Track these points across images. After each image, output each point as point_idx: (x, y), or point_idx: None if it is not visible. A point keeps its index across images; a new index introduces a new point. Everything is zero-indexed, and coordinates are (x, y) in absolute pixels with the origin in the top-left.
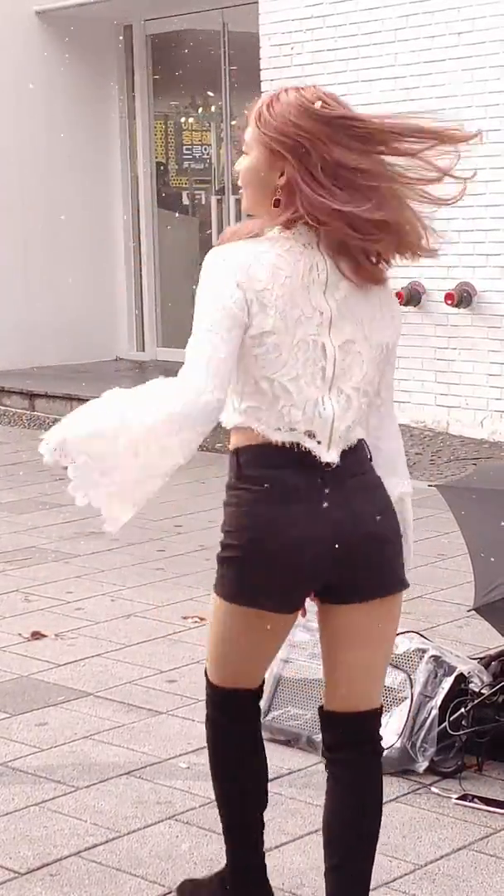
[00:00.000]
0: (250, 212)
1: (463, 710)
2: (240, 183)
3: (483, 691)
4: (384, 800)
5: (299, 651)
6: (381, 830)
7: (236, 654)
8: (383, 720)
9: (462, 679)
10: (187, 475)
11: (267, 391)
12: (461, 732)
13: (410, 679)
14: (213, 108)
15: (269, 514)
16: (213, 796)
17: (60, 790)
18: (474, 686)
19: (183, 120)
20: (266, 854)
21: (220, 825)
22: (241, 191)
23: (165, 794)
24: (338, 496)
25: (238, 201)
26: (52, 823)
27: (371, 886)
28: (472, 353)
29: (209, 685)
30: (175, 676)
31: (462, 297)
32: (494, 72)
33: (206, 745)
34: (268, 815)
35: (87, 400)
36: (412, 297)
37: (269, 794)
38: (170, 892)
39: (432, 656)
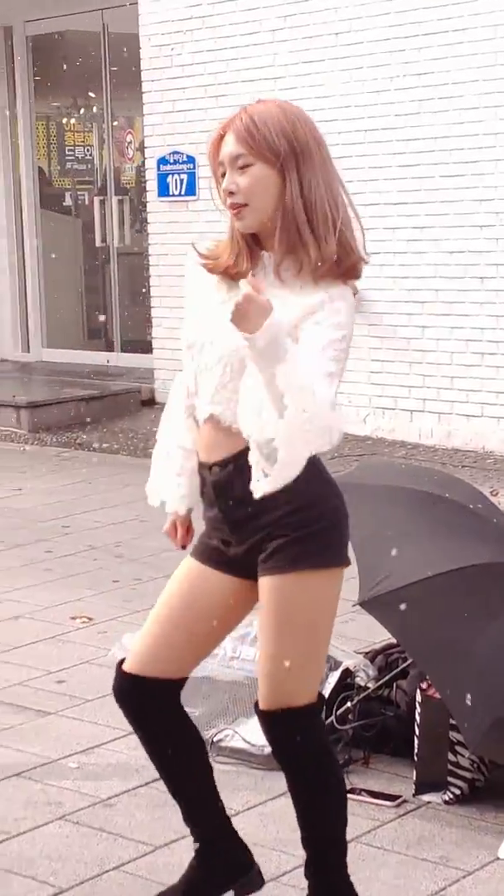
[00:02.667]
0: None
1: (349, 704)
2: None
3: (369, 685)
4: (272, 795)
5: None
6: (271, 825)
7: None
8: None
9: (348, 673)
10: (74, 476)
11: None
12: (348, 726)
13: None
14: (94, 109)
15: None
16: (102, 796)
17: None
18: (360, 680)
19: (65, 121)
20: (157, 850)
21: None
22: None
23: (55, 795)
24: None
25: (120, 202)
26: None
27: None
28: (354, 350)
29: (311, 709)
30: (64, 677)
31: None
32: (372, 72)
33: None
34: (159, 813)
35: None
36: None
37: (157, 793)
38: (60, 892)
39: None
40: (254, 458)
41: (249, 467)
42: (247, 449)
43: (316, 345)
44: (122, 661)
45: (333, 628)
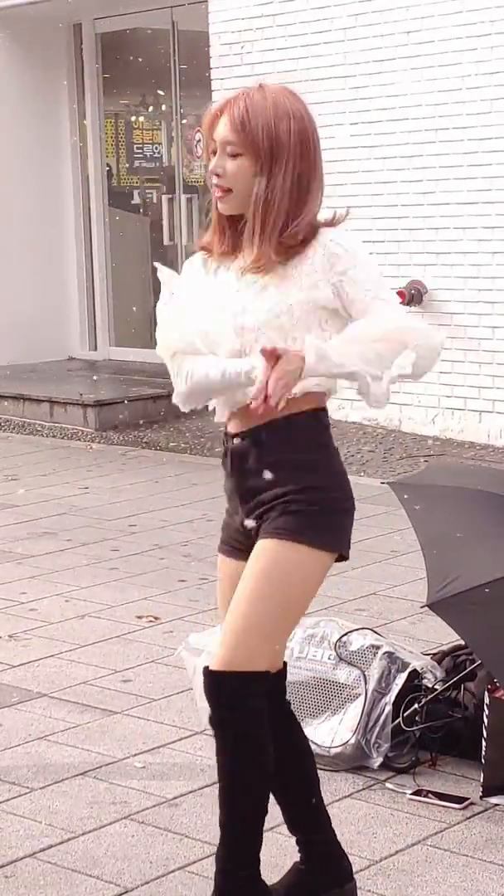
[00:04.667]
0: None
1: (416, 706)
2: None
3: (436, 687)
4: (339, 796)
5: None
6: (336, 826)
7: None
8: (338, 717)
9: (415, 675)
10: (141, 475)
11: None
12: (415, 728)
13: (364, 675)
14: (163, 107)
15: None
16: (167, 796)
17: (15, 791)
18: (427, 682)
19: (133, 118)
20: None
21: (226, 830)
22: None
23: (121, 794)
24: None
25: (188, 200)
26: (7, 825)
27: None
28: None
29: (261, 676)
30: (130, 676)
31: (413, 295)
32: (443, 71)
33: (229, 748)
34: None
35: (40, 400)
36: None
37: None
38: (125, 892)
39: (386, 653)
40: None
41: (267, 439)
42: (267, 423)
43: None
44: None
45: (398, 629)
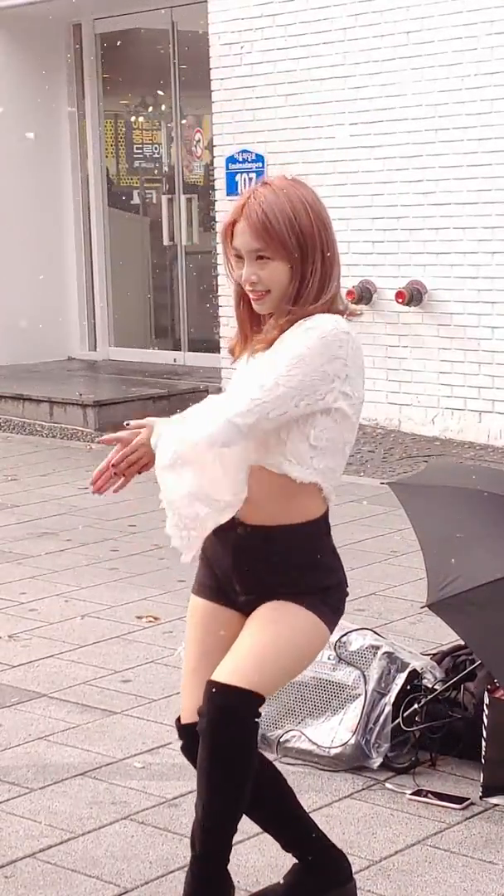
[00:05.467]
0: None
1: (416, 706)
2: None
3: (436, 687)
4: (339, 796)
5: None
6: (336, 826)
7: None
8: (338, 717)
9: (415, 675)
10: (141, 475)
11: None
12: (415, 728)
13: (364, 676)
14: (163, 107)
15: None
16: (167, 796)
17: (15, 792)
18: (427, 682)
19: (133, 119)
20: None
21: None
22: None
23: (120, 795)
24: None
25: (188, 200)
26: (7, 825)
27: None
28: (423, 350)
29: (262, 701)
30: (129, 676)
31: (413, 296)
32: (443, 71)
33: (222, 758)
34: None
35: (40, 400)
36: (363, 295)
37: None
38: (125, 893)
39: (385, 653)
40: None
41: (284, 541)
42: (288, 526)
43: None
44: (178, 719)
45: (398, 629)
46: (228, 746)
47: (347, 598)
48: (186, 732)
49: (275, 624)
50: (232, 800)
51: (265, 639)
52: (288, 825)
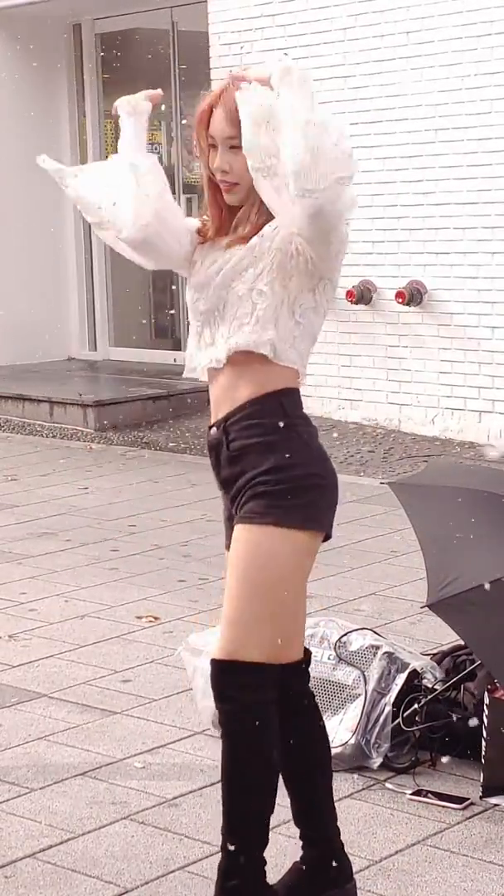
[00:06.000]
0: None
1: (416, 706)
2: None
3: (436, 687)
4: (339, 796)
5: None
6: (340, 825)
7: (303, 604)
8: (338, 717)
9: (415, 675)
10: (141, 475)
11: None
12: (415, 728)
13: (364, 676)
14: (162, 107)
15: (324, 450)
16: (167, 796)
17: (15, 792)
18: (427, 682)
19: None
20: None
21: (231, 829)
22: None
23: (121, 795)
24: None
25: (188, 200)
26: (7, 825)
27: None
28: (423, 350)
29: (252, 668)
30: (129, 676)
31: (413, 296)
32: (443, 71)
33: (232, 746)
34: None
35: (40, 400)
36: (363, 295)
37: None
38: (125, 893)
39: (386, 653)
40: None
41: (235, 425)
42: (236, 408)
43: None
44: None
45: (398, 629)
46: (231, 732)
47: (347, 598)
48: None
49: (234, 567)
50: (254, 788)
51: (230, 594)
52: (311, 806)
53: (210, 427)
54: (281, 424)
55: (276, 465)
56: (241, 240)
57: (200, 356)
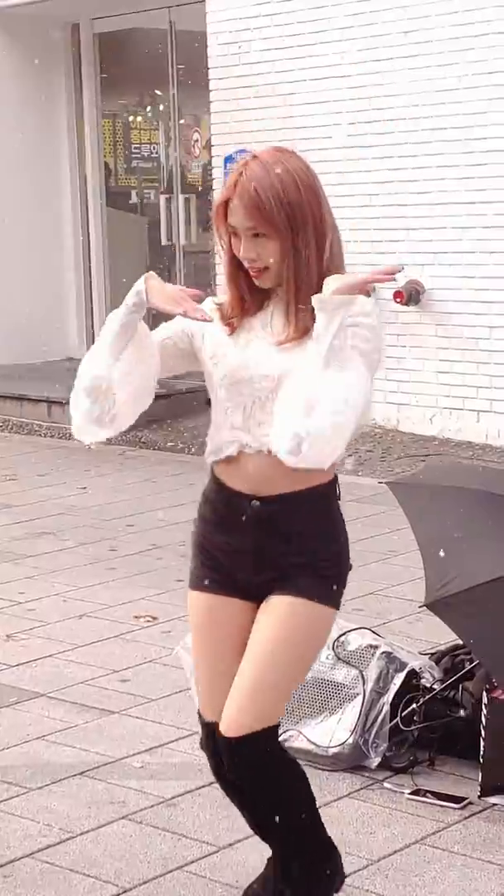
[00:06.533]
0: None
1: (414, 705)
2: None
3: (434, 687)
4: (337, 796)
5: None
6: (334, 826)
7: None
8: (336, 717)
9: (413, 675)
10: (139, 475)
11: None
12: (413, 728)
13: (362, 675)
14: (161, 107)
15: None
16: (166, 795)
17: (13, 791)
18: (426, 682)
19: (131, 118)
20: (221, 851)
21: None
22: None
23: (119, 794)
24: None
25: (186, 200)
26: (5, 825)
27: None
28: (422, 350)
29: (277, 727)
30: (128, 676)
31: (411, 295)
32: (440, 71)
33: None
34: (223, 813)
35: (39, 400)
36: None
37: (221, 793)
38: (123, 892)
39: (384, 652)
40: (288, 419)
41: (300, 506)
42: (302, 491)
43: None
44: (199, 712)
45: (396, 629)
46: (274, 783)
47: (345, 598)
48: (209, 730)
49: (282, 644)
50: (305, 808)
51: (266, 660)
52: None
53: (252, 498)
54: (337, 513)
55: (336, 552)
56: (293, 339)
57: (247, 437)
